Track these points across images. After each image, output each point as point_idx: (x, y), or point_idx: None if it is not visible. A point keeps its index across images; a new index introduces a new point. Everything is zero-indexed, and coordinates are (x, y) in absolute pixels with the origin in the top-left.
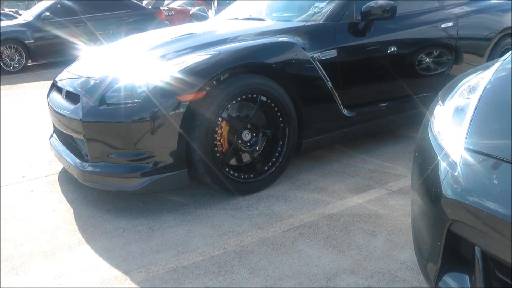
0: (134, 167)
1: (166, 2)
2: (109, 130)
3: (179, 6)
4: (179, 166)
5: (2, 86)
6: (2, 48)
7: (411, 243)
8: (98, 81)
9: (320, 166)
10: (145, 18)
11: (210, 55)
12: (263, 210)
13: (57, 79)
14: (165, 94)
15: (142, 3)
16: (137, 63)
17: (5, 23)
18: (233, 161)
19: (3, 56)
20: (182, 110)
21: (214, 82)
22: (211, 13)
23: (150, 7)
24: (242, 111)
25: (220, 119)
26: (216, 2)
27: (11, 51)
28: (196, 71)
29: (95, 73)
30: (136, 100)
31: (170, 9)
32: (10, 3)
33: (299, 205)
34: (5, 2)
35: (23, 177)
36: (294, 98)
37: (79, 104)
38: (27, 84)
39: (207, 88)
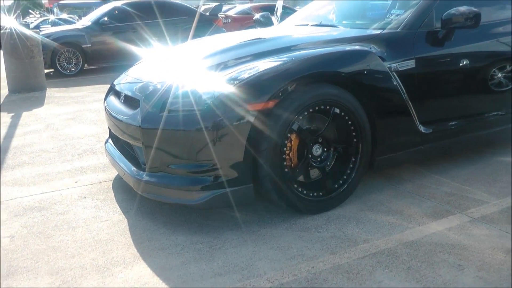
0: (195, 180)
1: (223, 9)
2: (169, 138)
3: (235, 13)
4: (244, 181)
5: (58, 89)
6: (60, 51)
7: (506, 283)
8: (159, 86)
9: (391, 185)
10: (203, 25)
11: (281, 62)
12: (334, 233)
13: (115, 82)
14: (232, 102)
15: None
16: (200, 68)
17: (64, 27)
18: (300, 178)
19: (60, 59)
20: (249, 120)
21: (287, 90)
22: (274, 19)
23: (207, 13)
24: (312, 123)
25: (290, 131)
26: (280, 9)
27: (68, 55)
28: (266, 79)
29: (156, 78)
30: (200, 108)
31: (227, 17)
32: (70, 9)
33: (373, 228)
34: (65, 8)
35: (76, 182)
36: (368, 111)
37: (138, 109)
38: (83, 88)
39: (279, 97)
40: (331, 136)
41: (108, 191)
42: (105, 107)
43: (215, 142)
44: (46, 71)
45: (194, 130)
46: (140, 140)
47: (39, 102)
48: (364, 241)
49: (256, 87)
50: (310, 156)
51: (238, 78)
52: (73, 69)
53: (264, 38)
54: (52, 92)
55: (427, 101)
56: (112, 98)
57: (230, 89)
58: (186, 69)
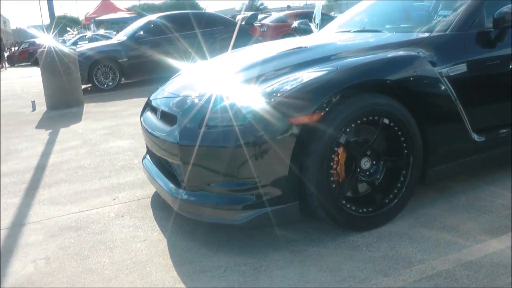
0: (237, 199)
1: (259, 18)
2: (209, 155)
3: (271, 22)
4: (289, 198)
5: (96, 104)
6: (97, 67)
7: None
8: (197, 101)
9: (444, 198)
10: (239, 35)
11: (326, 71)
12: (386, 252)
13: (151, 98)
14: (274, 115)
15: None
16: (240, 81)
17: (100, 43)
18: (348, 193)
19: (98, 75)
20: (294, 134)
21: (332, 101)
22: (313, 26)
23: (243, 23)
24: (360, 135)
25: (337, 144)
26: (319, 16)
27: (105, 70)
28: (312, 90)
29: (194, 92)
30: (240, 123)
31: (263, 25)
32: (106, 25)
33: (428, 247)
34: (102, 24)
35: (114, 200)
36: (419, 120)
37: (176, 125)
38: (120, 102)
39: (324, 108)
40: (380, 148)
41: (147, 208)
42: (142, 124)
43: (257, 158)
44: (83, 86)
45: (235, 147)
46: (179, 157)
47: (77, 117)
48: (419, 262)
49: (299, 99)
50: (358, 170)
51: (280, 90)
52: (110, 84)
53: (305, 47)
54: (89, 107)
55: (480, 107)
56: (149, 114)
57: (271, 103)
58: (225, 82)
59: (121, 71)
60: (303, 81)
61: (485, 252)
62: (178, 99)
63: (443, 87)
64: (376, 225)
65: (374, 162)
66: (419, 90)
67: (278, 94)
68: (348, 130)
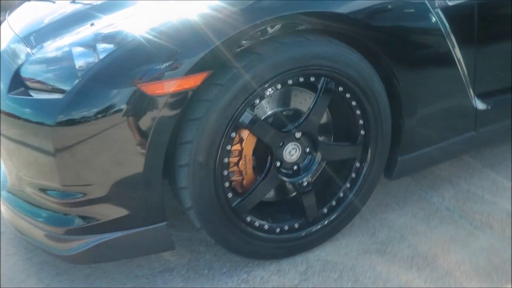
0: (60, 218)
1: None
2: (22, 136)
3: None
4: (148, 218)
5: None
6: None
7: None
8: (23, 42)
9: (421, 192)
10: None
11: None
12: None
13: None
14: (123, 75)
15: None
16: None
17: None
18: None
19: None
20: (154, 112)
21: (230, 52)
22: None
23: None
24: (285, 104)
25: (236, 126)
26: None
27: None
28: (188, 32)
29: (28, 27)
30: (68, 88)
31: None
32: None
33: None
34: None
35: None
36: (389, 80)
37: None
38: None
39: (212, 65)
40: (318, 127)
41: None
42: None
43: (91, 152)
44: None
45: (54, 125)
46: None
47: None
48: None
49: (167, 48)
50: (278, 164)
51: (144, 27)
52: None
53: None
54: None
55: (489, 59)
56: None
57: (119, 53)
58: (73, 10)
59: None
60: (172, 21)
61: None
62: (9, 38)
63: (433, 20)
64: (306, 248)
65: (307, 150)
66: (395, 28)
67: (136, 37)
68: (257, 101)
